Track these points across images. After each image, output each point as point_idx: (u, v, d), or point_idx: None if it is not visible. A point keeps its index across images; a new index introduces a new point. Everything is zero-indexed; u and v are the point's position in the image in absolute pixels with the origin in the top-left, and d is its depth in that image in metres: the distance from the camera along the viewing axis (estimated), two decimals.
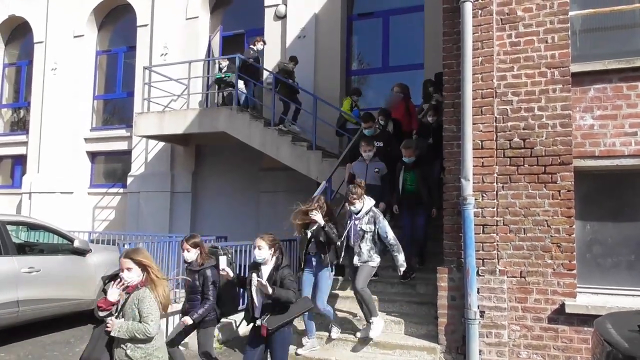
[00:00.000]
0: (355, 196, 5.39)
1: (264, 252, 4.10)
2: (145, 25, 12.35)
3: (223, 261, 4.50)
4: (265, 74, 10.36)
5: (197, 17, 11.72)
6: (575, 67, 4.92)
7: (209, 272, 4.53)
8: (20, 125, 14.78)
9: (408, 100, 8.28)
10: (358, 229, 5.39)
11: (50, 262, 6.79)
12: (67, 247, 7.18)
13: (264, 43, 10.28)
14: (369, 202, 5.45)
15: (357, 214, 5.42)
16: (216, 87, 10.68)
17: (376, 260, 5.38)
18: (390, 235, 5.32)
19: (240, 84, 9.82)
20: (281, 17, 10.81)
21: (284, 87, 9.61)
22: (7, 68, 15.04)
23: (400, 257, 5.28)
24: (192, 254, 4.62)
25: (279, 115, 9.65)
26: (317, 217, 5.24)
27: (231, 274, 4.29)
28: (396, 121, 7.93)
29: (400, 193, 6.32)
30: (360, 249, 5.36)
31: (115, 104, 13.48)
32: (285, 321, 4.07)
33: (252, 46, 10.09)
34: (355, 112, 9.15)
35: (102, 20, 13.48)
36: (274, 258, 4.12)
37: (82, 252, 7.21)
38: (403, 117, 8.05)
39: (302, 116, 9.81)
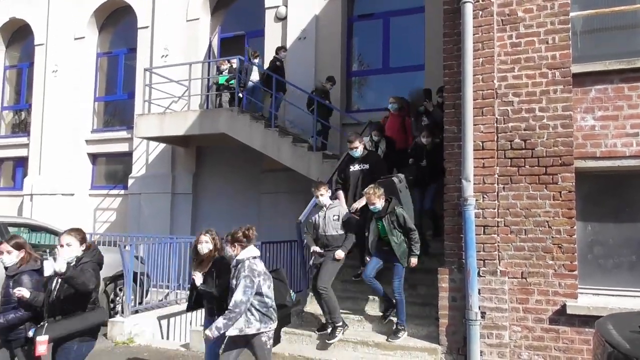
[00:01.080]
0: (229, 238, 4.19)
1: (74, 250, 3.62)
2: (146, 27, 12.37)
3: (48, 267, 3.65)
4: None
5: (198, 18, 11.74)
6: (576, 68, 4.92)
7: (25, 279, 3.89)
8: (21, 127, 14.79)
9: (405, 115, 7.82)
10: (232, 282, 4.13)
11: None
12: None
13: (285, 50, 10.17)
14: (245, 253, 4.09)
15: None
16: (215, 88, 10.68)
17: (255, 326, 3.97)
18: (237, 299, 3.88)
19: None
20: (282, 19, 10.83)
21: (321, 108, 9.12)
22: (8, 70, 15.07)
23: (219, 323, 3.87)
24: (12, 257, 4.03)
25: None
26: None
27: (27, 295, 3.70)
28: (389, 139, 7.32)
29: (375, 244, 5.46)
30: None
31: (116, 105, 13.49)
32: (73, 331, 3.51)
33: (276, 55, 9.94)
34: None
35: (103, 22, 13.50)
36: (82, 253, 3.67)
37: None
38: (398, 133, 7.53)
39: (303, 117, 9.80)
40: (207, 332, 3.92)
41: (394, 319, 5.44)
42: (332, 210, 5.62)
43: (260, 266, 4.13)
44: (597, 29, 5.23)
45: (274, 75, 9.41)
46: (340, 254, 5.45)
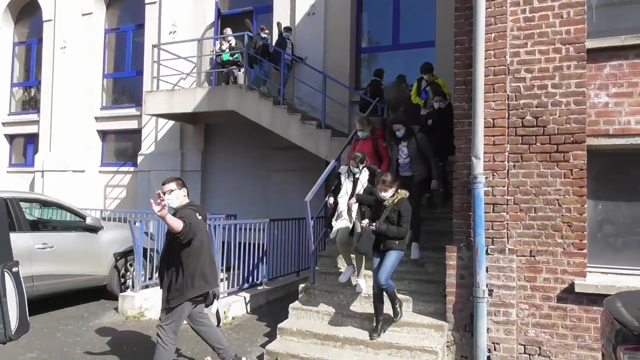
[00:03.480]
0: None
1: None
2: (154, 3, 12.27)
3: None
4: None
5: None
6: (591, 43, 4.80)
7: None
8: (31, 104, 14.87)
9: (377, 137, 6.60)
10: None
11: (64, 239, 6.90)
12: (79, 224, 7.29)
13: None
14: None
15: None
16: (219, 66, 10.60)
17: None
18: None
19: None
20: None
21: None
22: (17, 47, 15.07)
23: None
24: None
25: None
26: None
27: None
28: (372, 169, 5.94)
29: None
30: None
31: (125, 82, 13.49)
32: None
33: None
34: (422, 95, 7.91)
35: None
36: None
37: (94, 229, 7.31)
38: (371, 159, 6.17)
39: (311, 94, 9.71)
40: None
41: None
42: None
43: None
44: (613, 3, 5.09)
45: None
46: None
